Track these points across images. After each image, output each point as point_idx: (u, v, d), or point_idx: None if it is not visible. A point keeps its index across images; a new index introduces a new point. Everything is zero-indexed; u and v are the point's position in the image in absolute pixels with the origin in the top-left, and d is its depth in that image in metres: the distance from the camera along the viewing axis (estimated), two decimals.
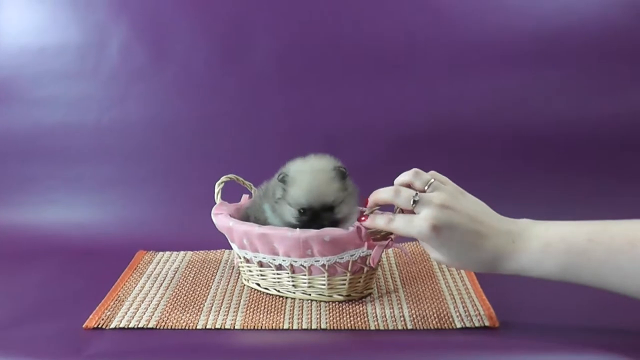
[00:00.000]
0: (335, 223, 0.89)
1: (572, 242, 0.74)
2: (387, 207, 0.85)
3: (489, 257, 0.77)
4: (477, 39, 1.28)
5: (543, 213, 0.88)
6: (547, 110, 1.27)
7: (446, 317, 0.87)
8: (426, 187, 0.79)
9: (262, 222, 0.93)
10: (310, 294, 0.93)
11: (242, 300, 0.94)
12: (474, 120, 1.28)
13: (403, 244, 1.12)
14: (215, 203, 0.99)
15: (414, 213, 0.78)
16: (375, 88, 1.30)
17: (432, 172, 0.82)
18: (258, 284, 0.97)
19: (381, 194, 0.81)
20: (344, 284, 0.91)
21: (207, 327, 0.87)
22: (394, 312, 0.89)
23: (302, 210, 0.89)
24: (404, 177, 0.81)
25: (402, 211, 0.81)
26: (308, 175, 0.89)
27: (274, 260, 0.91)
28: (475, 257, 0.77)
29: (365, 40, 1.30)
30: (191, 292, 0.98)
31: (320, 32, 1.31)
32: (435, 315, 0.87)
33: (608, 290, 0.74)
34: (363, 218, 0.85)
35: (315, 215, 0.88)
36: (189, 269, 1.08)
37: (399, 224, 0.79)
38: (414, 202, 0.77)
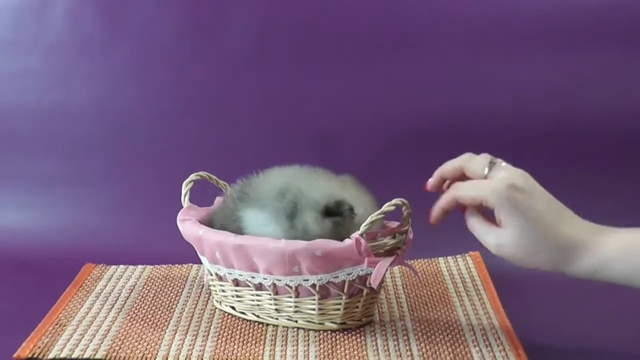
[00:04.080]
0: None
1: None
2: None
3: (566, 242, 0.78)
4: (505, 15, 1.27)
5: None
6: (589, 102, 1.27)
7: (463, 353, 0.86)
8: (486, 171, 0.81)
9: (234, 232, 0.92)
10: (296, 321, 0.92)
11: (212, 327, 0.94)
12: (499, 112, 1.27)
13: (412, 261, 1.12)
14: (182, 207, 0.99)
15: None
16: (378, 72, 1.30)
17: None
18: (233, 307, 0.97)
19: (447, 165, 0.84)
20: (339, 310, 0.90)
21: (169, 359, 0.86)
22: (398, 345, 0.88)
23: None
24: (452, 163, 0.84)
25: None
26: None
27: (253, 278, 0.91)
28: (550, 239, 0.77)
29: (368, 12, 1.29)
30: (150, 316, 0.97)
31: (311, 3, 1.31)
32: (449, 350, 0.87)
33: None
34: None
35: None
36: (148, 288, 1.07)
37: (465, 185, 0.81)
38: (491, 164, 0.80)
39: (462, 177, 0.83)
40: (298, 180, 0.91)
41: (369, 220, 0.85)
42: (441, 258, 1.16)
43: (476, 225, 0.80)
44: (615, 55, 1.26)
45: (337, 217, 0.87)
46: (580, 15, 1.26)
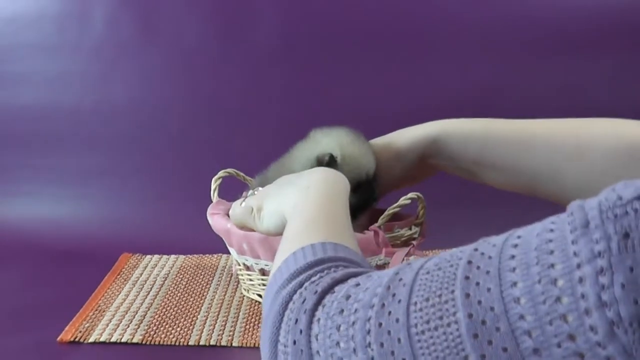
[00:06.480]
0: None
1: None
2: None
3: None
4: (521, 16, 1.27)
5: None
6: (600, 102, 1.25)
7: None
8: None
9: None
10: None
11: (240, 314, 0.95)
12: (507, 112, 1.25)
13: (428, 251, 1.11)
14: (212, 201, 1.00)
15: None
16: (398, 71, 1.30)
17: None
18: (259, 295, 0.97)
19: None
20: None
21: (201, 343, 0.87)
22: None
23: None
24: None
25: None
26: None
27: None
28: None
29: (388, 13, 1.29)
30: (182, 303, 0.99)
31: (335, 2, 1.31)
32: None
33: None
34: None
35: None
36: (181, 276, 1.08)
37: None
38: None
39: None
40: (295, 163, 0.92)
41: (386, 213, 0.86)
42: (455, 249, 1.14)
43: None
44: (620, 57, 1.25)
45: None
46: (588, 19, 1.26)
